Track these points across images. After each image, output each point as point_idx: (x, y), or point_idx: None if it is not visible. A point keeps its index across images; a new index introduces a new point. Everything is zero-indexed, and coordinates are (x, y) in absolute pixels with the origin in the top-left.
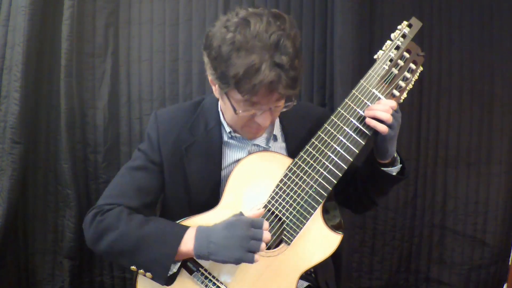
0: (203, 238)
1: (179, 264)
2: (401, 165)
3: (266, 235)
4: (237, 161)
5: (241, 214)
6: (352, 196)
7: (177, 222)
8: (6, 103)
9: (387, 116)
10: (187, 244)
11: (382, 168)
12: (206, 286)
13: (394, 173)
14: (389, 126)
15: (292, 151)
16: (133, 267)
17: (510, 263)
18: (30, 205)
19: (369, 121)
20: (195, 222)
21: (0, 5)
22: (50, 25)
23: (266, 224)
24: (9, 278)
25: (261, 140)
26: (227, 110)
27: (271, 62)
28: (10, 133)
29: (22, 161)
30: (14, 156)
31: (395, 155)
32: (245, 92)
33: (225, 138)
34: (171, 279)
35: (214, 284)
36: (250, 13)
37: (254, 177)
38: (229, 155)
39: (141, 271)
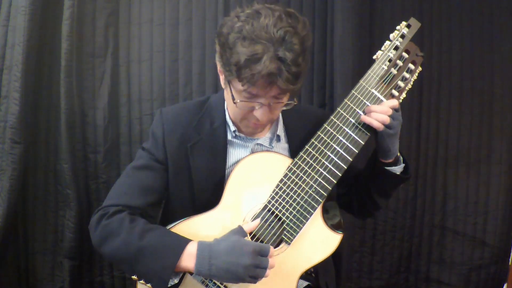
0: (205, 259)
1: (180, 275)
2: (404, 164)
3: (272, 263)
4: (240, 160)
5: (240, 229)
6: (355, 199)
7: (178, 222)
8: (6, 103)
9: (384, 118)
10: (187, 261)
11: (386, 168)
12: (206, 286)
13: (398, 173)
14: (387, 126)
15: (295, 152)
16: (134, 277)
17: (510, 263)
18: (30, 205)
19: (363, 117)
20: (195, 222)
21: (0, 5)
22: (50, 25)
23: (272, 251)
24: (9, 278)
25: (264, 140)
26: (229, 101)
27: (274, 55)
28: (10, 133)
29: (22, 161)
30: (14, 156)
31: (398, 154)
32: (245, 80)
33: (229, 137)
34: None
35: (214, 284)
36: (264, 7)
37: (254, 177)
38: (233, 154)
39: (142, 281)
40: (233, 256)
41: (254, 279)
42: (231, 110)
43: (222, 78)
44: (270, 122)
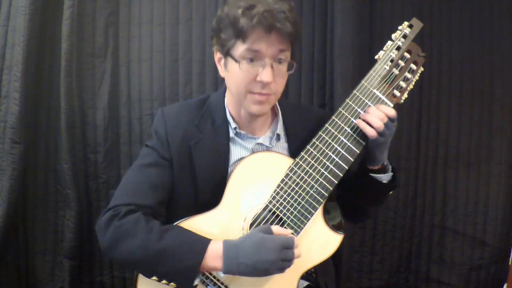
0: (232, 259)
1: (200, 274)
2: (392, 173)
3: (297, 253)
4: (240, 159)
5: (268, 228)
6: (347, 204)
7: (179, 222)
8: (6, 103)
9: (378, 124)
10: (213, 261)
11: (371, 174)
12: (206, 286)
13: (385, 181)
14: (379, 133)
15: (294, 152)
16: (154, 278)
17: (510, 263)
18: (30, 205)
19: (358, 122)
20: (196, 222)
21: (0, 5)
22: (50, 25)
23: (296, 242)
24: (9, 278)
25: (264, 139)
26: (232, 77)
27: (269, 4)
28: (10, 133)
29: (22, 161)
30: (14, 156)
31: (386, 162)
32: (244, 29)
33: (231, 134)
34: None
35: (215, 284)
36: None
37: (255, 177)
38: (234, 152)
39: (164, 281)
40: (259, 253)
41: (282, 270)
42: (235, 85)
43: (221, 67)
44: (275, 94)
